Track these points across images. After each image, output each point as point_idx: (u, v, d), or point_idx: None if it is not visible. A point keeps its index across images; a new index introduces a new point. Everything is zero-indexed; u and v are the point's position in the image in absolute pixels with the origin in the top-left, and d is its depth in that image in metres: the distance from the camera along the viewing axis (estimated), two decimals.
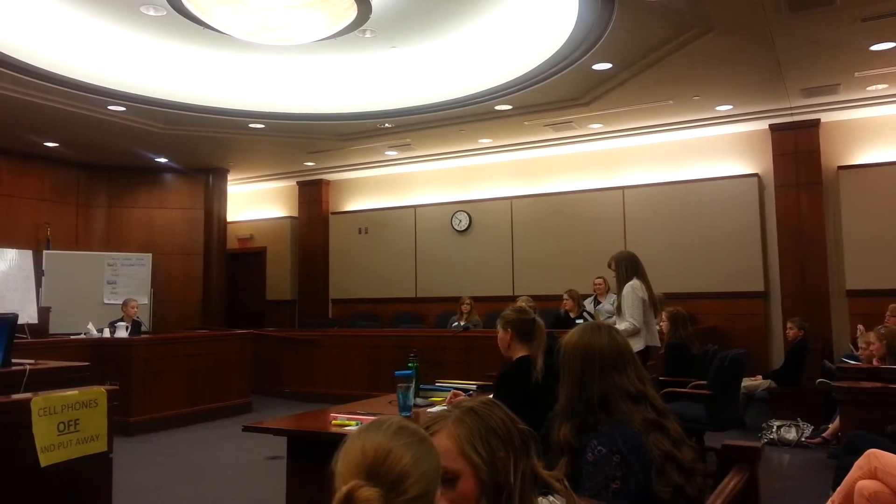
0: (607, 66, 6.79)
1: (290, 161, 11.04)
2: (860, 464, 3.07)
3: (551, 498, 1.39)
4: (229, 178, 11.72)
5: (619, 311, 4.78)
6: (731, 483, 2.01)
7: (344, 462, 1.15)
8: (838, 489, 3.18)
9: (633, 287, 4.68)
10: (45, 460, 2.57)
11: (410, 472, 1.15)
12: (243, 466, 5.67)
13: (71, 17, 6.36)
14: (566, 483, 1.47)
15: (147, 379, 7.17)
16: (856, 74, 7.07)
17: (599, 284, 7.80)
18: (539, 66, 6.95)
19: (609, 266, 4.97)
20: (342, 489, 1.08)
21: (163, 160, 10.63)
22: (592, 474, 1.84)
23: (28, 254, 9.07)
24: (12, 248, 9.03)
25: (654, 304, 4.82)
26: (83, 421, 2.74)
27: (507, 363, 3.40)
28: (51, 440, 2.60)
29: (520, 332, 3.33)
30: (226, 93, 8.04)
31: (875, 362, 4.90)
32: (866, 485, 2.97)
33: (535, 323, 3.30)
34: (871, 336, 5.08)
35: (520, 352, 3.32)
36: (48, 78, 7.10)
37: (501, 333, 3.37)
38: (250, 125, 8.82)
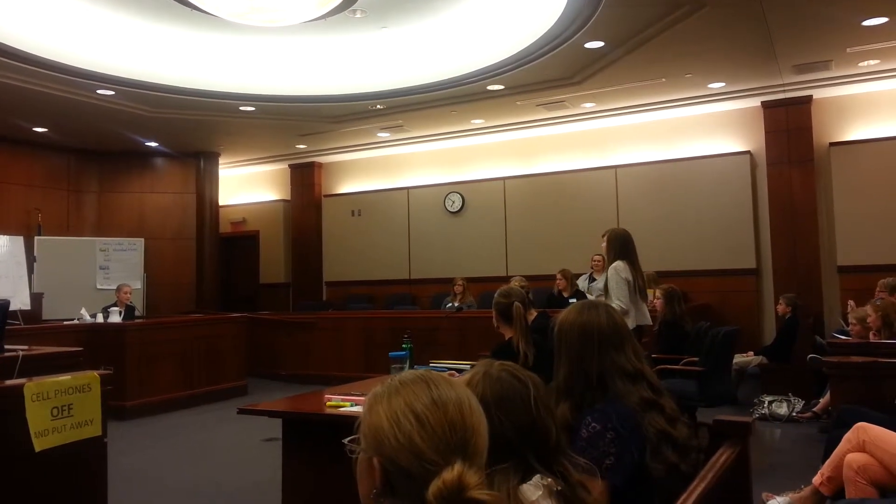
0: (599, 44, 6.75)
1: (281, 144, 10.98)
2: (849, 437, 3.11)
3: (533, 481, 1.35)
4: (220, 161, 11.65)
5: (605, 291, 4.82)
6: (722, 457, 2.03)
7: (423, 432, 1.01)
8: (828, 462, 3.23)
9: (615, 269, 4.71)
10: (39, 445, 2.57)
11: (485, 433, 1.07)
12: (239, 448, 5.70)
13: (57, 0, 6.28)
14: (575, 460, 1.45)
15: (142, 363, 7.17)
16: (848, 50, 7.05)
17: (597, 261, 7.81)
18: (531, 44, 6.91)
19: (602, 236, 5.00)
20: (450, 477, 0.96)
21: (153, 144, 10.56)
22: (586, 450, 1.85)
23: (19, 240, 9.03)
24: (3, 234, 8.98)
25: (639, 287, 4.82)
26: (77, 406, 2.74)
27: (499, 342, 3.58)
28: (45, 425, 2.61)
29: (502, 315, 3.54)
30: (215, 75, 7.96)
31: (871, 336, 4.93)
32: (855, 458, 3.00)
33: (511, 306, 3.47)
34: (868, 308, 5.10)
35: (508, 332, 3.53)
36: (35, 62, 7.01)
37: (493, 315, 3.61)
38: (240, 108, 8.75)
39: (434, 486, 0.96)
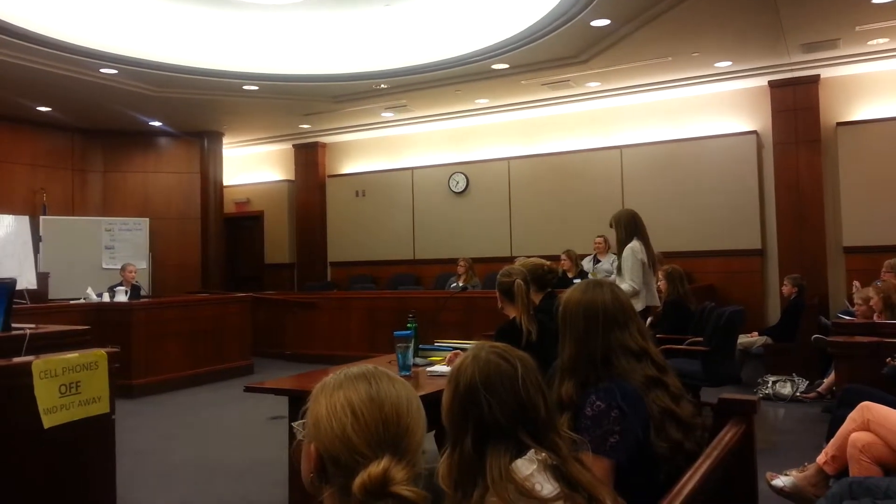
0: (605, 22, 6.68)
1: (285, 124, 10.94)
2: (853, 416, 3.12)
3: (527, 457, 1.37)
4: (224, 141, 11.62)
5: (618, 271, 4.79)
6: (727, 435, 2.04)
7: (356, 425, 1.05)
8: (832, 441, 3.24)
9: (632, 249, 4.68)
10: (48, 422, 2.60)
11: (420, 433, 1.11)
12: (246, 427, 5.74)
13: None
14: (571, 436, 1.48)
15: (148, 342, 7.22)
16: (857, 28, 6.97)
17: (599, 243, 7.81)
18: (536, 23, 6.85)
19: (610, 225, 4.96)
20: (376, 470, 1.00)
21: (157, 124, 10.53)
22: (591, 429, 1.86)
23: (25, 219, 9.05)
24: (9, 214, 9.00)
25: (653, 264, 4.82)
26: (84, 383, 2.76)
27: (504, 321, 3.58)
28: (53, 402, 2.63)
29: (505, 294, 3.53)
30: (218, 54, 7.92)
31: (876, 317, 4.93)
32: (859, 436, 3.01)
33: (513, 284, 3.48)
34: (870, 291, 5.10)
35: (511, 312, 3.53)
36: (38, 41, 6.98)
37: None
38: (244, 87, 8.71)
39: (360, 478, 1.00)
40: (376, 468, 1.00)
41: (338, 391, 1.10)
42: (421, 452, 1.09)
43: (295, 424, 1.17)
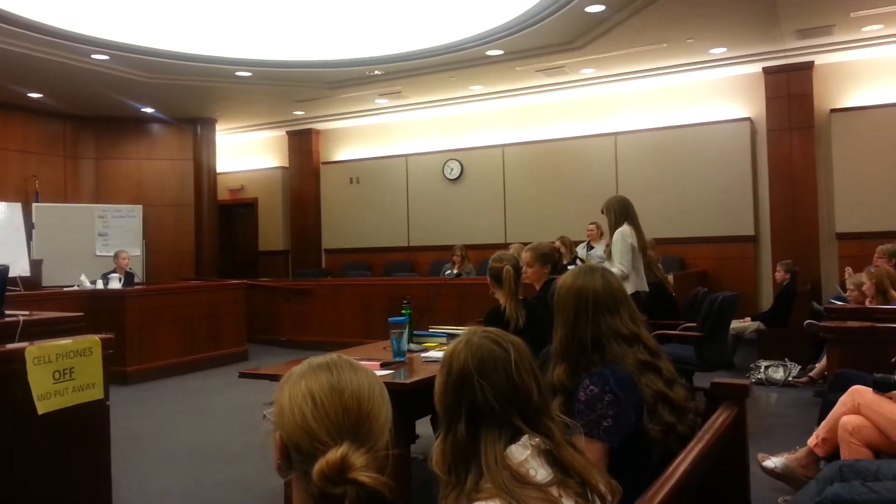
0: (600, 8, 6.66)
1: (278, 110, 10.89)
2: (844, 400, 3.15)
3: (521, 442, 1.37)
4: (218, 127, 11.56)
5: (609, 256, 4.80)
6: (719, 419, 2.06)
7: (316, 413, 1.07)
8: (823, 424, 3.27)
9: (622, 233, 4.69)
10: (42, 408, 2.59)
11: (382, 418, 1.13)
12: (240, 413, 5.75)
13: None
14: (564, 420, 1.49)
15: (142, 329, 7.21)
16: (851, 15, 6.96)
17: (592, 230, 7.83)
18: (531, 8, 6.82)
19: (602, 212, 4.97)
20: (334, 457, 1.02)
21: (149, 110, 10.47)
22: (584, 413, 1.87)
23: (17, 207, 9.02)
24: (1, 201, 8.96)
25: (643, 249, 4.84)
26: (78, 369, 2.75)
27: (492, 306, 3.65)
28: (47, 388, 2.62)
29: (495, 279, 3.60)
30: (211, 40, 7.86)
31: (868, 302, 4.96)
32: (850, 420, 3.04)
33: (501, 270, 3.55)
34: (863, 276, 5.13)
35: (501, 297, 3.60)
36: (28, 26, 6.91)
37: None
38: (237, 73, 8.66)
39: (318, 465, 1.01)
40: (334, 455, 1.01)
41: (301, 380, 1.12)
42: (385, 438, 1.11)
43: (266, 412, 1.18)
